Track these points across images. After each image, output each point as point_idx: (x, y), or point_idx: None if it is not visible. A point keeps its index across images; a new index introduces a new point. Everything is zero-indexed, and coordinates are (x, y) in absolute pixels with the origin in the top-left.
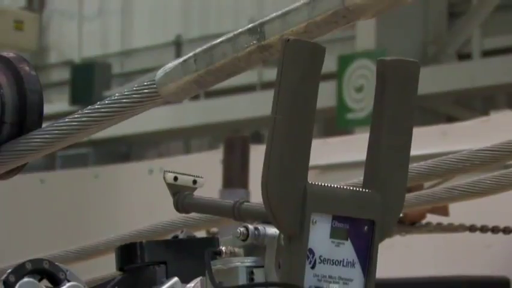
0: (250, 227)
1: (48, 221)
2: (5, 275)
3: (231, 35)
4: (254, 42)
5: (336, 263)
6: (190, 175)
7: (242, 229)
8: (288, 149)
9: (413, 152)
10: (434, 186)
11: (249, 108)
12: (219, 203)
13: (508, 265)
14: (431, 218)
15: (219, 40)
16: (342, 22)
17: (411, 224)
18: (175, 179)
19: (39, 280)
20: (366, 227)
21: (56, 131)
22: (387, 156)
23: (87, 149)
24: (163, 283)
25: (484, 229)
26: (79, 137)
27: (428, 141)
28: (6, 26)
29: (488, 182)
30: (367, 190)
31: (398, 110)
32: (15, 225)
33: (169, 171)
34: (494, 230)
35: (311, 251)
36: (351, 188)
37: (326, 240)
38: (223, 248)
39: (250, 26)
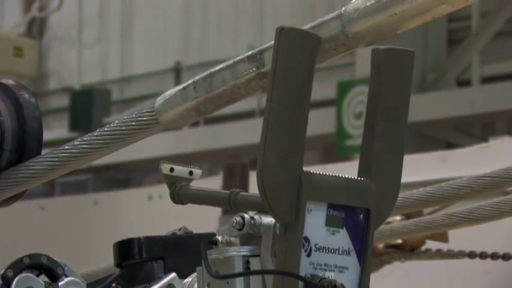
0: (246, 216)
1: (48, 247)
2: (3, 270)
3: (230, 62)
4: (253, 69)
5: (332, 251)
6: (186, 166)
7: (238, 218)
8: (283, 138)
9: (413, 178)
10: (433, 212)
11: (248, 135)
12: (215, 194)
13: None
14: (431, 245)
15: (218, 67)
16: (341, 49)
17: (411, 251)
18: (172, 170)
19: (38, 275)
20: (361, 215)
21: (56, 158)
22: (382, 145)
23: (86, 176)
24: (160, 279)
25: (483, 255)
26: (79, 164)
27: (427, 168)
28: (5, 53)
29: (488, 208)
30: (362, 179)
31: (393, 99)
32: (15, 252)
33: (165, 163)
34: (494, 256)
35: (307, 239)
36: (347, 176)
37: (321, 228)
38: (219, 238)
39: (249, 53)
